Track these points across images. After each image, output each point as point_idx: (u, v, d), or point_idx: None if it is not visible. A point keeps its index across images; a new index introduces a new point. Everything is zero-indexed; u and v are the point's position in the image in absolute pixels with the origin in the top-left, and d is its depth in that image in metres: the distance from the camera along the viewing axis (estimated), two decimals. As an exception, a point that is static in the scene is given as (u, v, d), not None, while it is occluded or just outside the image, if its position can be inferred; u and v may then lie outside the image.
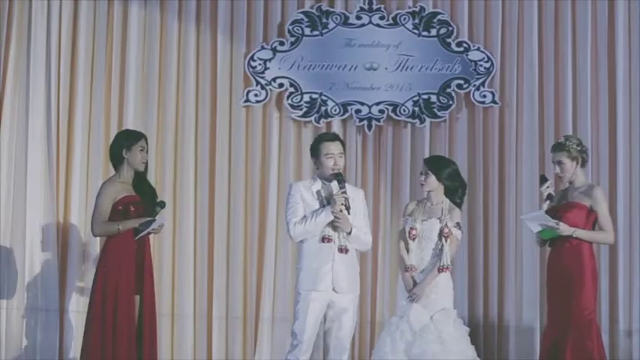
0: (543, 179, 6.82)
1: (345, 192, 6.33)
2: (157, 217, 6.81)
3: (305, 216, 6.34)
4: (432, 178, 6.61)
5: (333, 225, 6.34)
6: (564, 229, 6.61)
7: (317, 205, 6.37)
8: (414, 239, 6.55)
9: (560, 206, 6.78)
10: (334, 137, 6.54)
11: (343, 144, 6.53)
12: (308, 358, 6.35)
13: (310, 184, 6.46)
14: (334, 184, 6.39)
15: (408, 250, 6.57)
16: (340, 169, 6.41)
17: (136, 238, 6.75)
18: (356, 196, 6.52)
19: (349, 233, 6.38)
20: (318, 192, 6.40)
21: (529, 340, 8.31)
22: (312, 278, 6.33)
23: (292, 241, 6.50)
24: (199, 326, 8.46)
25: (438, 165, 6.66)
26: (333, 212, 6.30)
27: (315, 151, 6.46)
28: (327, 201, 6.37)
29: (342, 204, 6.31)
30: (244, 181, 8.56)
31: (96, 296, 6.71)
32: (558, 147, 6.79)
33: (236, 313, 8.48)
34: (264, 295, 8.46)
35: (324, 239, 6.33)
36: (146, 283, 6.79)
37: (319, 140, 6.50)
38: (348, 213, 6.33)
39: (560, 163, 6.75)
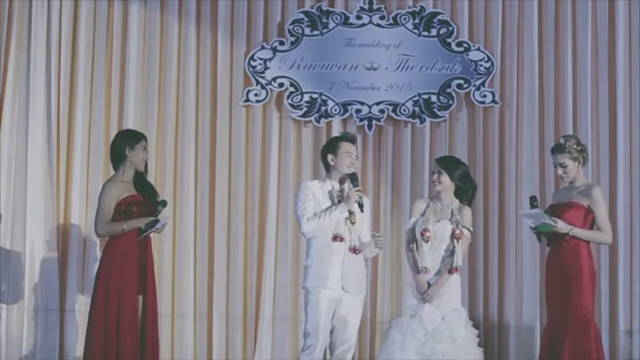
0: (533, 200, 6.78)
1: (359, 190, 6.35)
2: (159, 217, 6.82)
3: (317, 212, 6.34)
4: (446, 177, 6.61)
5: (346, 224, 6.36)
6: (562, 226, 6.60)
7: (329, 205, 6.38)
8: (427, 241, 6.54)
9: (559, 205, 6.78)
10: (354, 139, 6.58)
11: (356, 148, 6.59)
12: (321, 358, 6.36)
13: (320, 184, 6.47)
14: (347, 184, 6.41)
15: (419, 252, 6.56)
16: (355, 170, 6.45)
17: (140, 237, 6.75)
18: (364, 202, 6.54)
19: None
20: (330, 192, 6.42)
21: (529, 340, 8.31)
22: (322, 276, 6.33)
23: (304, 237, 6.49)
24: (199, 326, 8.46)
25: (451, 164, 6.66)
26: (348, 207, 6.33)
27: (332, 149, 6.46)
28: (339, 200, 6.39)
29: (357, 201, 6.33)
30: (244, 181, 8.56)
31: (98, 296, 6.69)
32: (558, 149, 6.75)
33: (236, 313, 8.48)
34: (264, 295, 8.46)
35: (336, 238, 6.34)
36: (148, 283, 6.78)
37: (339, 139, 6.54)
38: (362, 211, 6.36)
39: (562, 165, 6.72)
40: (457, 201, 6.64)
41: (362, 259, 6.49)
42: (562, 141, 6.76)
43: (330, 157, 6.47)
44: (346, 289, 6.34)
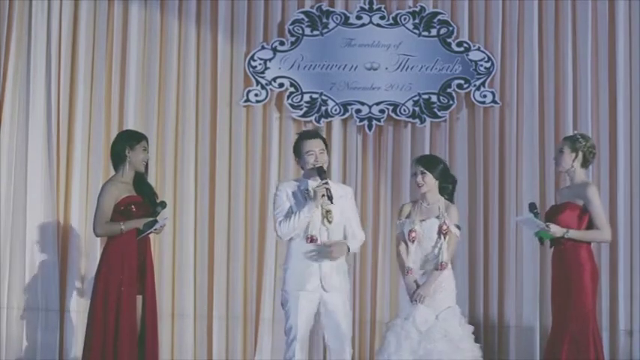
0: (532, 207, 6.79)
1: (326, 183, 6.34)
2: (158, 218, 6.82)
3: (289, 214, 6.38)
4: (430, 177, 6.60)
5: (323, 223, 6.37)
6: (555, 230, 6.62)
7: (304, 204, 6.39)
8: (413, 242, 6.54)
9: (556, 207, 6.81)
10: (314, 135, 6.54)
11: (324, 140, 6.53)
12: (305, 357, 6.37)
13: (296, 183, 6.50)
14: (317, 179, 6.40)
15: (408, 253, 6.57)
16: (323, 164, 6.42)
17: (138, 238, 6.76)
18: (343, 192, 6.55)
19: (348, 251, 6.44)
20: (306, 190, 6.41)
21: (529, 340, 8.32)
22: (300, 278, 6.36)
23: (281, 240, 6.56)
24: (199, 326, 8.46)
25: (432, 163, 6.66)
26: (316, 204, 6.33)
27: (297, 151, 6.49)
28: (310, 196, 6.37)
29: (324, 195, 6.32)
30: (244, 181, 8.56)
31: (97, 296, 6.70)
32: (566, 137, 6.89)
33: (236, 313, 8.48)
34: (264, 295, 8.46)
35: (309, 239, 6.36)
36: (147, 283, 6.79)
37: (300, 139, 6.51)
38: (331, 202, 6.34)
39: (560, 150, 6.80)
40: (442, 199, 6.64)
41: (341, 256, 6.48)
42: (575, 131, 6.87)
43: (296, 160, 6.54)
44: (326, 289, 6.36)
